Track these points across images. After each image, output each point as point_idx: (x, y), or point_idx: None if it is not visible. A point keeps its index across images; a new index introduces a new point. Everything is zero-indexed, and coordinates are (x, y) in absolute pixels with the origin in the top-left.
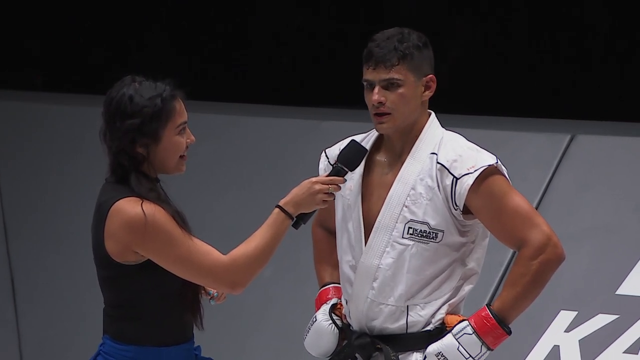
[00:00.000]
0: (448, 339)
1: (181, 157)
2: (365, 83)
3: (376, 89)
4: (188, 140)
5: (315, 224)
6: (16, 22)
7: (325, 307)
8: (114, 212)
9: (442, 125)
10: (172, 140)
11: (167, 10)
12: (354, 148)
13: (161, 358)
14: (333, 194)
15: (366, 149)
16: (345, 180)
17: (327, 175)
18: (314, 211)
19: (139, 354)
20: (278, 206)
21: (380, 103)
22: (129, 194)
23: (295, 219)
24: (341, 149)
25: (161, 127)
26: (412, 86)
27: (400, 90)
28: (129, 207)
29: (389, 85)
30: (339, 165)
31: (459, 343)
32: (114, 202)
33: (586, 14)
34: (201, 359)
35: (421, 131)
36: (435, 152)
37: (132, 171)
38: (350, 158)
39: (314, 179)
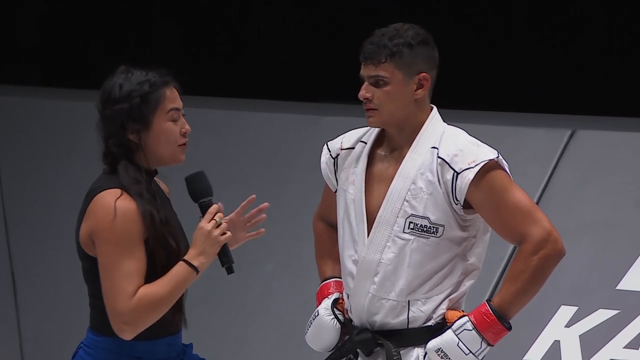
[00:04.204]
0: (448, 335)
1: (179, 146)
2: (360, 78)
3: (364, 85)
4: (183, 129)
5: (317, 217)
6: (14, 16)
7: (328, 302)
8: (94, 203)
9: (444, 120)
10: (163, 127)
11: (167, 5)
12: (192, 180)
13: (136, 351)
14: (222, 223)
15: (202, 171)
16: (218, 206)
17: (203, 217)
18: (224, 250)
19: (113, 346)
20: (184, 260)
21: (367, 99)
22: (115, 185)
23: (225, 267)
24: (192, 187)
25: (150, 113)
26: (399, 84)
27: (387, 88)
28: (107, 198)
29: (377, 82)
30: (200, 202)
31: (458, 339)
32: (97, 193)
33: (586, 8)
34: (191, 356)
35: (422, 126)
36: (436, 146)
37: (122, 159)
38: (201, 189)
39: (199, 225)
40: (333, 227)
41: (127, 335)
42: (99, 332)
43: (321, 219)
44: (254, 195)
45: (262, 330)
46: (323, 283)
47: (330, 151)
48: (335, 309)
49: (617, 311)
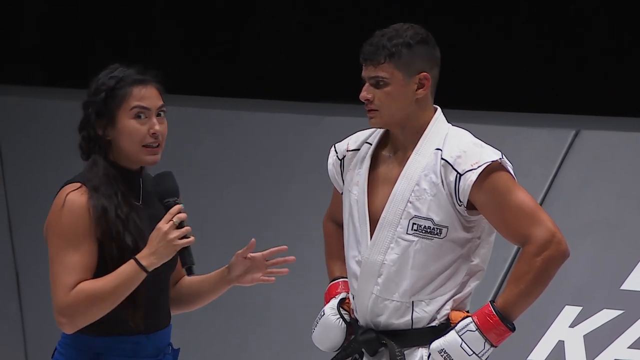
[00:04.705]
0: (451, 335)
1: (146, 146)
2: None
3: (365, 86)
4: (151, 130)
5: (327, 218)
6: (15, 16)
7: (334, 302)
8: (56, 196)
9: (447, 121)
10: (126, 125)
11: (167, 5)
12: (160, 178)
13: (95, 347)
14: (185, 226)
15: (169, 171)
16: (182, 206)
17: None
18: (186, 252)
19: (74, 341)
20: (134, 258)
21: (368, 100)
22: (78, 179)
23: (184, 267)
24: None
25: (115, 108)
26: (399, 84)
27: (387, 88)
28: (64, 191)
29: (377, 83)
30: (165, 201)
31: (462, 340)
32: (63, 186)
33: (588, 7)
34: None
35: (426, 127)
36: (440, 148)
37: (94, 154)
38: (164, 189)
39: (157, 225)
40: (342, 228)
41: (66, 328)
42: None
43: (331, 220)
44: (285, 247)
45: (265, 331)
46: (331, 283)
47: (337, 153)
48: (341, 309)
49: (621, 311)
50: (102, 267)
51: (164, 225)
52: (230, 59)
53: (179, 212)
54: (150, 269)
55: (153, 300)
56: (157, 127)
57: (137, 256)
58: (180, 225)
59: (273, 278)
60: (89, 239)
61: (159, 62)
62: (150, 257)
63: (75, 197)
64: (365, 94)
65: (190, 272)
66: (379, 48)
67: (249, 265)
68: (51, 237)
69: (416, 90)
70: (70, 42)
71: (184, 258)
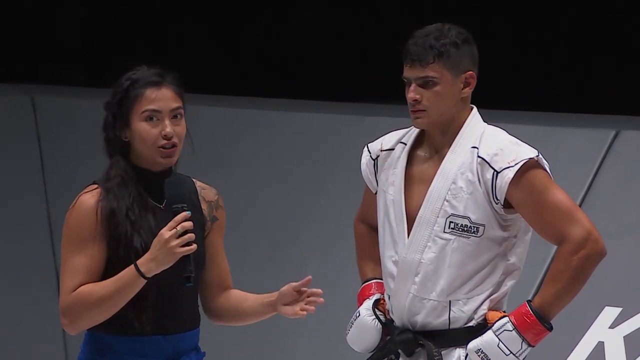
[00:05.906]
0: (488, 335)
1: (159, 148)
2: (404, 80)
3: (412, 87)
4: (163, 132)
5: (357, 219)
6: (59, 16)
7: (369, 303)
8: None
9: (484, 120)
10: (138, 127)
11: (205, 6)
12: (169, 184)
13: (107, 344)
14: (189, 234)
15: (183, 176)
16: (190, 214)
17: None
18: (186, 260)
19: (90, 338)
20: (134, 263)
21: (416, 101)
22: (98, 180)
23: (184, 276)
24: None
25: (129, 111)
26: (448, 84)
27: (436, 88)
28: (80, 193)
29: (425, 83)
30: (173, 207)
31: (499, 340)
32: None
33: (628, 6)
34: None
35: (462, 126)
36: (476, 146)
37: (116, 155)
38: (176, 194)
39: (160, 232)
40: (373, 228)
41: (68, 329)
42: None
43: (362, 221)
44: (310, 277)
45: (303, 330)
46: (364, 284)
47: (370, 153)
48: (376, 310)
49: None
50: (110, 269)
51: (166, 232)
52: (271, 59)
53: (184, 220)
54: (148, 275)
55: (166, 303)
56: (168, 129)
57: (138, 261)
58: (183, 233)
59: (313, 308)
60: (95, 241)
61: (197, 63)
62: (149, 263)
63: (85, 198)
64: (413, 94)
65: (187, 281)
66: (427, 48)
67: (296, 297)
68: (62, 238)
69: (462, 89)
70: (111, 43)
71: (183, 266)
